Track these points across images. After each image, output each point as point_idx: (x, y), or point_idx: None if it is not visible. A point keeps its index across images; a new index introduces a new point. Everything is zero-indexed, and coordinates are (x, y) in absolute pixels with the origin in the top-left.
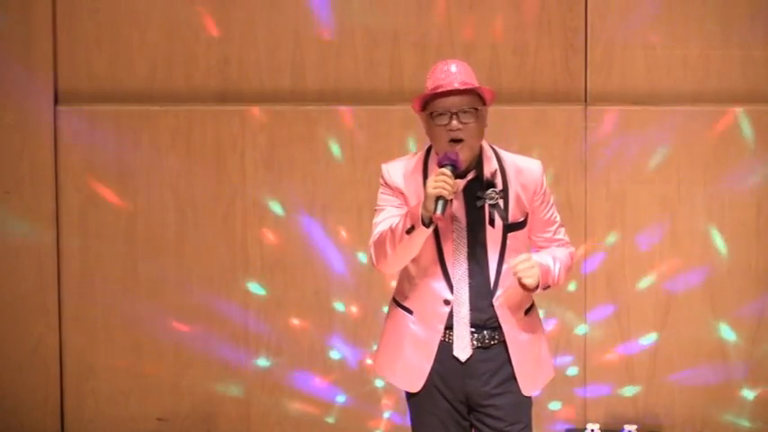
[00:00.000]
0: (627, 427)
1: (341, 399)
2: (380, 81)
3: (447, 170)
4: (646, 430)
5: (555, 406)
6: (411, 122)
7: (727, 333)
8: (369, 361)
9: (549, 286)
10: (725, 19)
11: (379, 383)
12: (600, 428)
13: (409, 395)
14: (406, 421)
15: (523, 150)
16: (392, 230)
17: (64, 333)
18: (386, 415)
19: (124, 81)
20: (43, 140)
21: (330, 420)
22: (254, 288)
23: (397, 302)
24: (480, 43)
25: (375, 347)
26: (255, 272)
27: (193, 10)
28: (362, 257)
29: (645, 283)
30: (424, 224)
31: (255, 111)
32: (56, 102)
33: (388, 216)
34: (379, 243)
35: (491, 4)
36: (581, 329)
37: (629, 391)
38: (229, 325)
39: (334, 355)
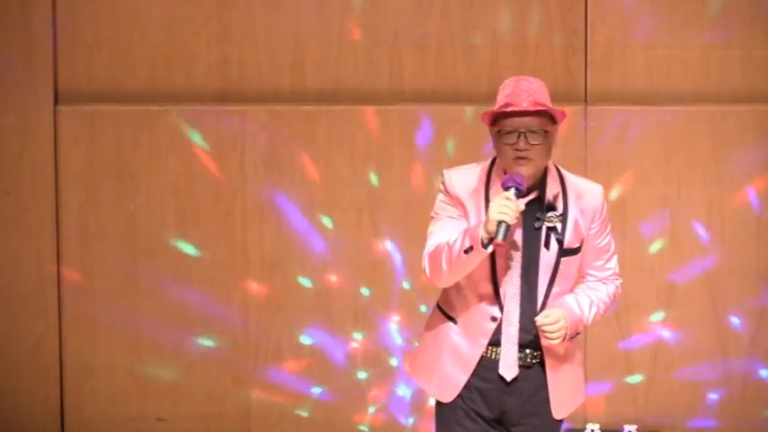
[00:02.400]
0: (627, 427)
1: (341, 398)
2: (380, 81)
3: (511, 194)
4: (646, 430)
5: None
6: (411, 122)
7: (727, 332)
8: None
9: (578, 333)
10: (725, 19)
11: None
12: (600, 428)
13: (438, 404)
14: (414, 425)
15: None
16: (449, 247)
17: (64, 333)
18: (378, 413)
19: (124, 81)
20: (43, 140)
21: (332, 421)
22: (254, 288)
23: (441, 310)
24: (480, 43)
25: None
26: (255, 272)
27: (193, 10)
28: (362, 257)
29: (645, 282)
30: (483, 246)
31: (255, 111)
32: (56, 102)
33: (444, 226)
34: (435, 257)
35: (491, 3)
36: None
37: (629, 390)
38: (229, 325)
39: (334, 355)
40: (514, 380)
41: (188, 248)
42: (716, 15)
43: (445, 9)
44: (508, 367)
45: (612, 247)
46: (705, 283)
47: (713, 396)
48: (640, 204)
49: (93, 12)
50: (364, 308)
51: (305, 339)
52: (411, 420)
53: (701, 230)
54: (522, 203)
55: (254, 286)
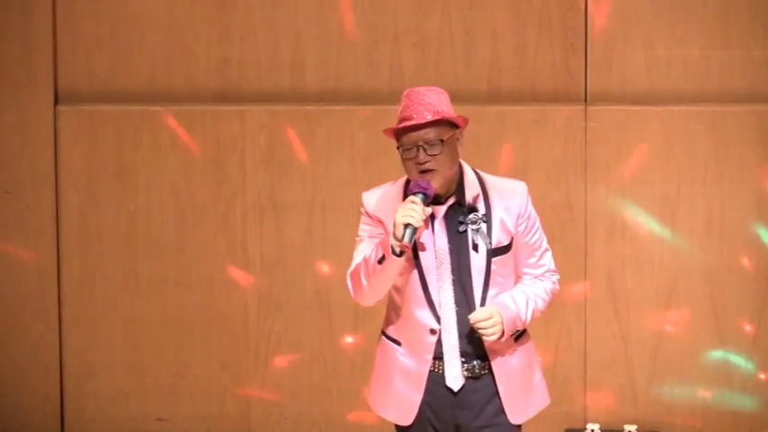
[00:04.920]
0: (627, 427)
1: (342, 399)
2: (380, 81)
3: (417, 198)
4: (646, 430)
5: (555, 406)
6: None
7: (728, 332)
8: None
9: (517, 331)
10: (725, 19)
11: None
12: (600, 428)
13: (400, 429)
14: None
15: (523, 150)
16: (365, 261)
17: (64, 333)
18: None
19: (124, 81)
20: (43, 140)
21: (331, 421)
22: (254, 288)
23: (385, 334)
24: (480, 43)
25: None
26: (255, 272)
27: (193, 10)
28: None
29: (645, 282)
30: (394, 253)
31: (255, 111)
32: (56, 102)
33: (366, 248)
34: (355, 274)
35: (491, 4)
36: (581, 329)
37: (629, 391)
38: (229, 325)
39: (335, 355)
40: (464, 392)
41: (188, 248)
42: (716, 15)
43: (445, 9)
44: (453, 377)
45: (544, 244)
46: (705, 283)
47: (713, 396)
48: (640, 204)
49: (93, 12)
50: (364, 307)
51: (305, 339)
52: None
53: (700, 230)
54: (428, 209)
55: (254, 286)
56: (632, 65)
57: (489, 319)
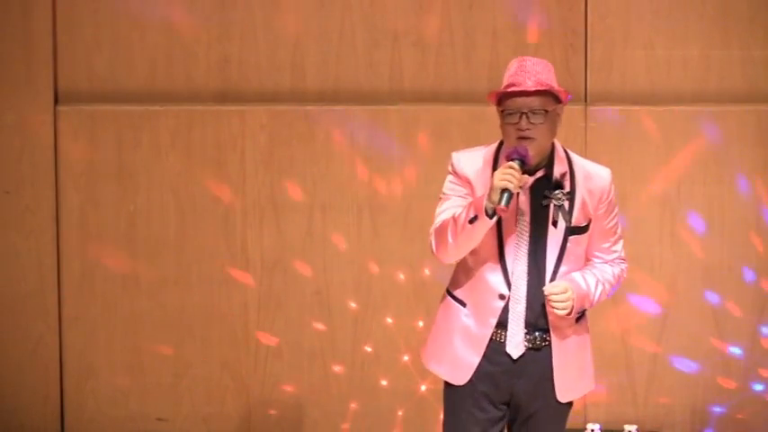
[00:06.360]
0: (627, 427)
1: (341, 399)
2: (380, 81)
3: (515, 164)
4: (646, 430)
5: None
6: (411, 122)
7: (727, 332)
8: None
9: (585, 310)
10: (725, 19)
11: (383, 382)
12: (600, 428)
13: (448, 389)
14: (413, 426)
15: None
16: (455, 219)
17: (64, 333)
18: (395, 415)
19: (124, 81)
20: (43, 140)
21: (330, 422)
22: (254, 288)
23: (450, 294)
24: (480, 43)
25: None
26: (255, 272)
27: (193, 10)
28: (362, 257)
29: (645, 282)
30: (487, 215)
31: (255, 111)
32: (56, 102)
33: (453, 205)
34: (441, 231)
35: (491, 4)
36: None
37: (629, 390)
38: (229, 325)
39: (334, 355)
40: (524, 362)
41: (188, 249)
42: (716, 15)
43: (445, 9)
44: (515, 345)
45: (619, 231)
46: (705, 282)
47: (713, 396)
48: (640, 204)
49: (93, 12)
50: (364, 307)
51: (305, 339)
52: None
53: (700, 230)
54: (526, 177)
55: (254, 286)
56: (632, 65)
57: (563, 293)
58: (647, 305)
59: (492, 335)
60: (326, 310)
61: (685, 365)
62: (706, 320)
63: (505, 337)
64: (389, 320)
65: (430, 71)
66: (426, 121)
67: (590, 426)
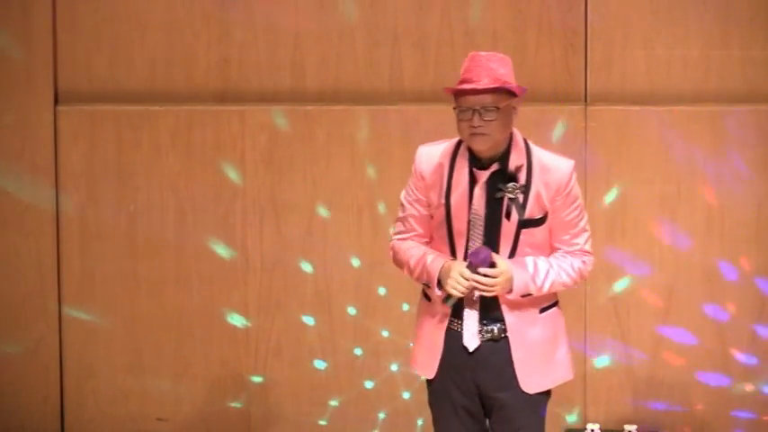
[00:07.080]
0: (627, 427)
1: (340, 400)
2: (380, 81)
3: (469, 274)
4: (646, 430)
5: (555, 406)
6: (411, 122)
7: (728, 332)
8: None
9: (529, 294)
10: (725, 19)
11: (369, 384)
12: (600, 428)
13: (427, 383)
14: (403, 424)
15: None
16: (409, 265)
17: (64, 333)
18: (380, 416)
19: (124, 81)
20: (43, 140)
21: (330, 422)
22: (254, 288)
23: (423, 291)
24: (480, 43)
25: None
26: (255, 272)
27: (193, 10)
28: (362, 257)
29: (645, 282)
30: (438, 287)
31: (255, 111)
32: (56, 102)
33: (409, 215)
34: (397, 256)
35: (491, 4)
36: (581, 329)
37: (629, 391)
38: (229, 325)
39: (335, 356)
40: (481, 354)
41: (188, 248)
42: (716, 15)
43: (445, 9)
44: (469, 338)
45: (582, 224)
46: (705, 283)
47: (713, 396)
48: (640, 204)
49: (93, 12)
50: (364, 307)
51: (305, 339)
52: (420, 422)
53: (700, 230)
54: (476, 293)
55: (254, 286)
56: (632, 65)
57: (495, 278)
58: (646, 305)
59: (448, 327)
60: (326, 310)
61: (686, 365)
62: (706, 320)
63: (461, 327)
64: (389, 321)
65: (430, 71)
66: (426, 121)
67: (590, 426)
